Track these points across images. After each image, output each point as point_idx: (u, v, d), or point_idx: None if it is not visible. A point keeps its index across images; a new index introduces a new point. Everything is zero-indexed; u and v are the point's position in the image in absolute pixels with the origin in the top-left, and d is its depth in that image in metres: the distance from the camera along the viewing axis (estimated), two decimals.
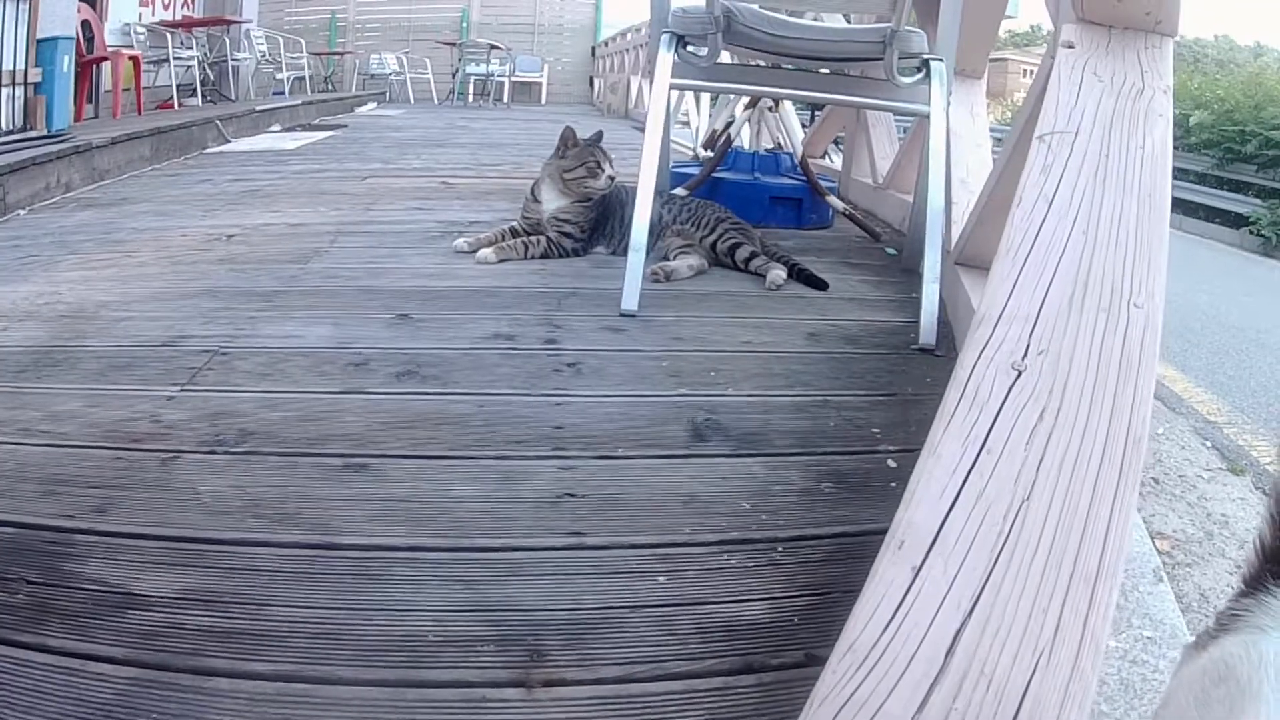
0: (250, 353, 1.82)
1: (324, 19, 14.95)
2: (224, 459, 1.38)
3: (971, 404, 0.92)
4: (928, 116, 2.25)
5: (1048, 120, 1.42)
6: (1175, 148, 1.44)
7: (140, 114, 6.46)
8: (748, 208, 2.99)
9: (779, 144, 3.79)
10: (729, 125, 3.71)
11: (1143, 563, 1.65)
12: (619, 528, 1.23)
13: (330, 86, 13.26)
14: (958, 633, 0.69)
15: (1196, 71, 19.39)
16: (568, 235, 2.64)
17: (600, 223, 2.69)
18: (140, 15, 7.57)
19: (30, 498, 1.25)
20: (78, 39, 5.42)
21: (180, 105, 7.45)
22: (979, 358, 0.99)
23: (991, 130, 3.15)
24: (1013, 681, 0.66)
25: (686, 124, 5.94)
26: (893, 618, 0.71)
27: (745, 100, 3.67)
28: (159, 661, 0.94)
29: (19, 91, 4.55)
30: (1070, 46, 1.60)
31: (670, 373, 1.79)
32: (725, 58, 2.51)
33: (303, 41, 12.16)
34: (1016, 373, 0.96)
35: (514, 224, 2.75)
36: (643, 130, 2.35)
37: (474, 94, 13.37)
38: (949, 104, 2.29)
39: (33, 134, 4.46)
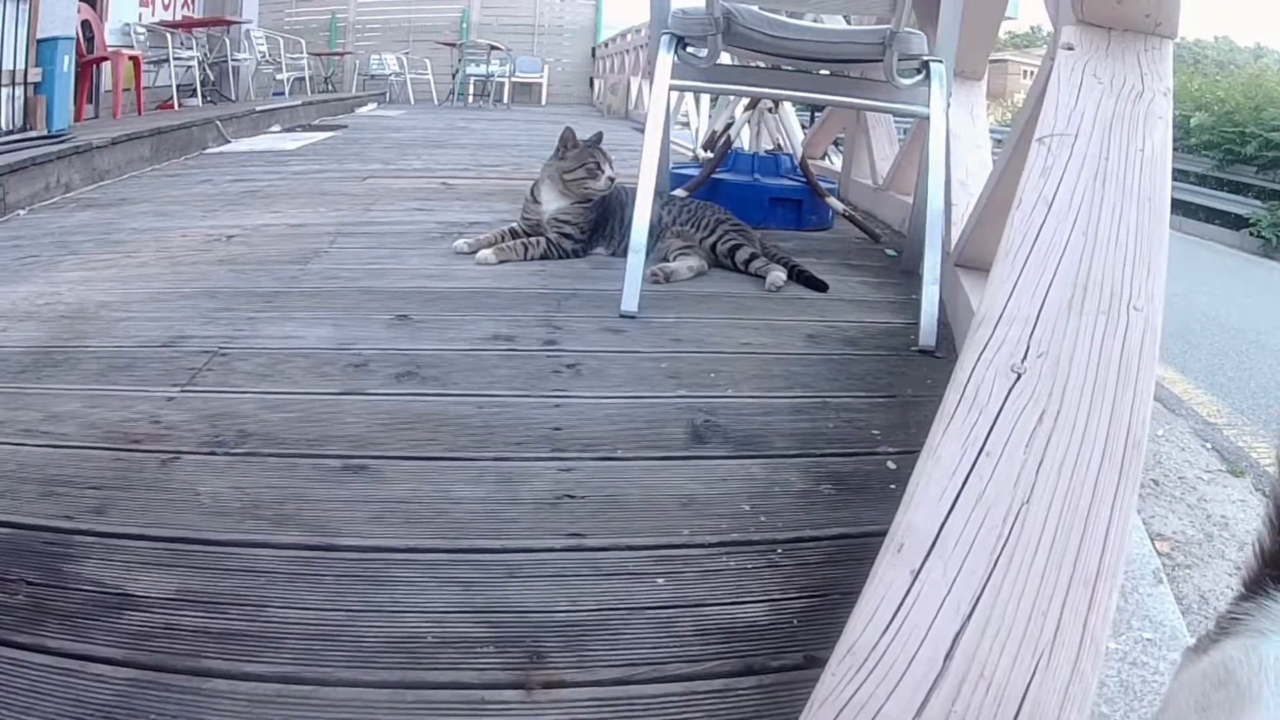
0: (250, 353, 1.82)
1: (324, 19, 14.96)
2: (223, 460, 1.38)
3: (971, 406, 0.92)
4: (927, 118, 2.25)
5: (1047, 122, 1.42)
6: (1175, 149, 1.44)
7: (140, 114, 6.46)
8: (747, 209, 2.99)
9: (779, 145, 3.79)
10: (729, 126, 3.71)
11: (1142, 564, 1.65)
12: (618, 529, 1.23)
13: (330, 87, 13.27)
14: (957, 635, 0.69)
15: (1196, 73, 19.41)
16: (567, 236, 2.64)
17: (600, 224, 2.69)
18: (140, 15, 7.58)
19: (29, 498, 1.25)
20: (78, 39, 5.42)
21: (180, 105, 7.46)
22: (978, 359, 0.99)
23: (991, 132, 3.15)
24: (1012, 684, 0.66)
25: (686, 125, 5.94)
26: (892, 620, 0.71)
27: (745, 101, 3.67)
28: (157, 662, 0.94)
29: (19, 91, 4.56)
30: (1070, 48, 1.60)
31: (670, 374, 1.78)
32: (725, 59, 2.51)
33: (303, 42, 12.16)
34: (1016, 375, 0.96)
35: (514, 225, 2.75)
36: (642, 131, 2.35)
37: (474, 95, 13.38)
38: (949, 105, 2.29)
39: (33, 134, 4.46)
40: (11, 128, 4.45)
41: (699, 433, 1.53)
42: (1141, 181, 1.28)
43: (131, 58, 6.64)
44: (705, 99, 5.64)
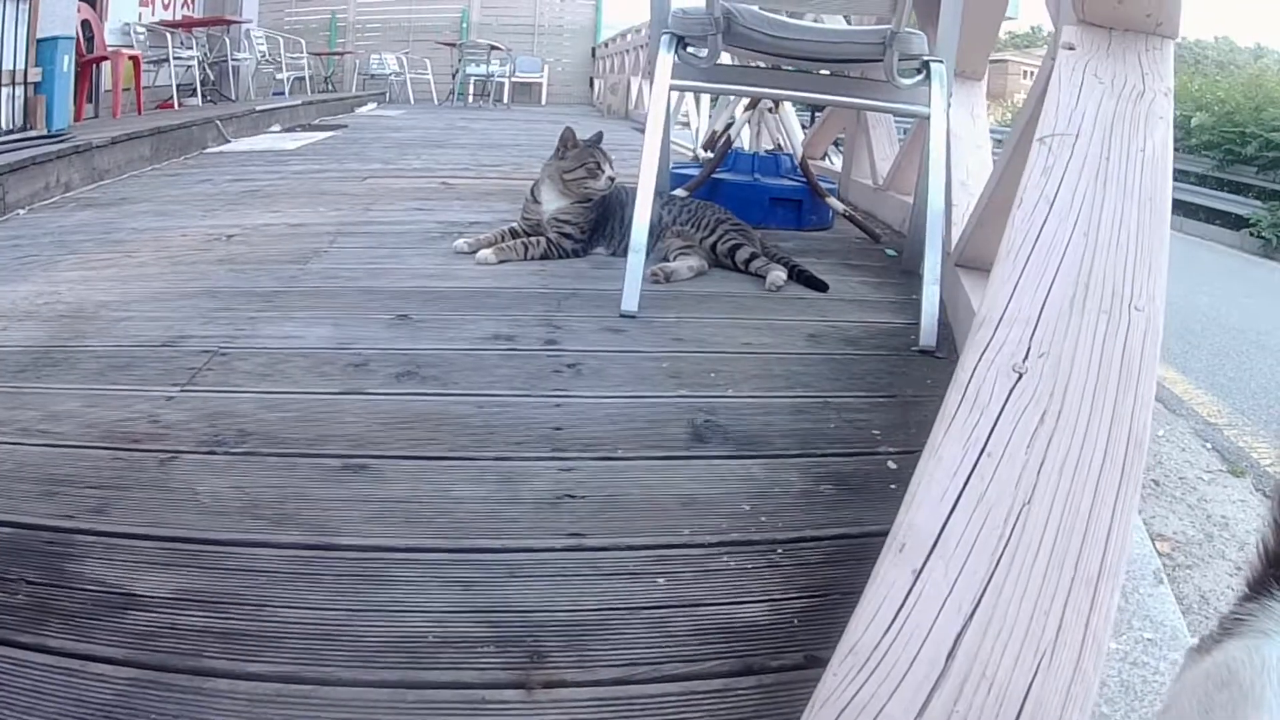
0: (250, 353, 1.82)
1: (324, 19, 14.95)
2: (223, 459, 1.38)
3: (972, 406, 0.92)
4: (928, 118, 2.25)
5: (1048, 122, 1.42)
6: (1175, 149, 1.44)
7: (140, 114, 6.46)
8: (748, 209, 2.99)
9: (779, 145, 3.79)
10: (729, 126, 3.71)
11: (1143, 565, 1.65)
12: (618, 529, 1.22)
13: (330, 87, 13.26)
14: (959, 635, 0.69)
15: (1197, 73, 19.41)
16: (568, 236, 2.64)
17: (600, 224, 2.69)
18: (140, 15, 7.57)
19: (29, 498, 1.25)
20: (78, 39, 5.42)
21: (180, 105, 7.45)
22: (980, 360, 0.99)
23: (991, 132, 3.15)
24: (1014, 684, 0.66)
25: (686, 125, 5.94)
26: (894, 620, 0.71)
27: (745, 101, 3.67)
28: (158, 662, 0.94)
29: (19, 91, 4.55)
30: (1071, 48, 1.60)
31: (670, 374, 1.78)
32: (725, 59, 2.50)
33: (303, 42, 12.16)
34: (1017, 375, 0.95)
35: (514, 225, 2.75)
36: (642, 131, 2.35)
37: (474, 94, 13.37)
38: (949, 105, 2.29)
39: (32, 133, 4.46)
40: (11, 127, 4.45)
41: (699, 432, 1.53)
42: (1142, 181, 1.28)
43: (131, 57, 6.64)
44: (705, 99, 5.64)
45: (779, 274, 2.44)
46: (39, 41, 4.68)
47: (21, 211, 3.43)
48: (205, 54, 8.34)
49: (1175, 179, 1.37)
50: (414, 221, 3.25)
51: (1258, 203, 11.18)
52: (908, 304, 2.33)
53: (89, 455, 1.38)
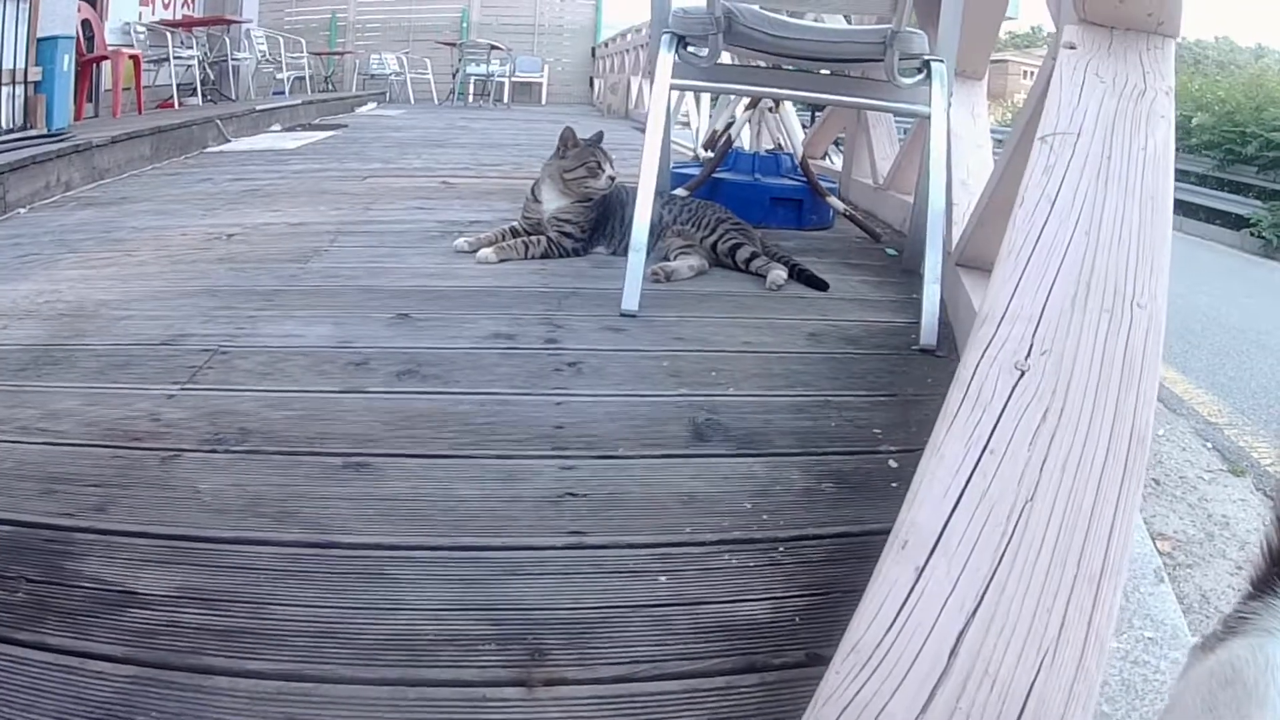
0: (250, 352, 1.82)
1: (324, 19, 14.95)
2: (224, 458, 1.38)
3: (975, 404, 0.92)
4: (928, 117, 2.25)
5: (1049, 121, 1.41)
6: (1176, 149, 1.44)
7: (140, 113, 6.46)
8: (748, 208, 2.99)
9: (779, 145, 3.79)
10: (729, 126, 3.71)
11: (1144, 564, 1.65)
12: (619, 527, 1.22)
13: (330, 86, 13.26)
14: (962, 633, 0.69)
15: (1197, 73, 19.42)
16: (568, 235, 2.64)
17: (601, 223, 2.68)
18: (140, 14, 7.58)
19: (29, 496, 1.25)
20: (78, 38, 5.41)
21: (180, 105, 7.45)
22: (982, 357, 0.98)
23: (992, 132, 3.15)
24: (1017, 681, 0.66)
25: (687, 125, 5.94)
26: (896, 617, 0.71)
27: (745, 101, 3.66)
28: (158, 660, 0.94)
29: (19, 90, 4.55)
30: (1072, 47, 1.60)
31: (671, 373, 1.78)
32: (726, 58, 2.50)
33: (303, 41, 12.16)
34: (1020, 373, 0.95)
35: (514, 224, 2.74)
36: (643, 131, 2.35)
37: (474, 94, 13.37)
38: (950, 105, 2.29)
39: (33, 133, 4.46)
40: (12, 126, 4.45)
41: (700, 431, 1.53)
42: (1144, 180, 1.27)
43: (131, 57, 6.64)
44: (705, 98, 5.64)
45: (779, 273, 2.44)
46: (39, 41, 4.67)
47: (22, 210, 3.43)
48: (205, 53, 8.34)
49: (1176, 179, 1.37)
50: (414, 221, 3.25)
51: (1258, 203, 11.18)
52: (908, 303, 2.32)
53: (89, 453, 1.38)
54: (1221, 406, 4.49)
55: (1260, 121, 11.56)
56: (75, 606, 1.02)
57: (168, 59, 7.35)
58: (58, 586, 1.05)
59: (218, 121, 6.05)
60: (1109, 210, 1.21)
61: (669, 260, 2.49)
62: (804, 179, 3.36)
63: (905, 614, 0.71)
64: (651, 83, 2.35)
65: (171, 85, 7.40)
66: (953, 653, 0.68)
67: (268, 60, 10.52)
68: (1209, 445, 3.86)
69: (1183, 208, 11.16)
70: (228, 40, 8.82)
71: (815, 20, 2.84)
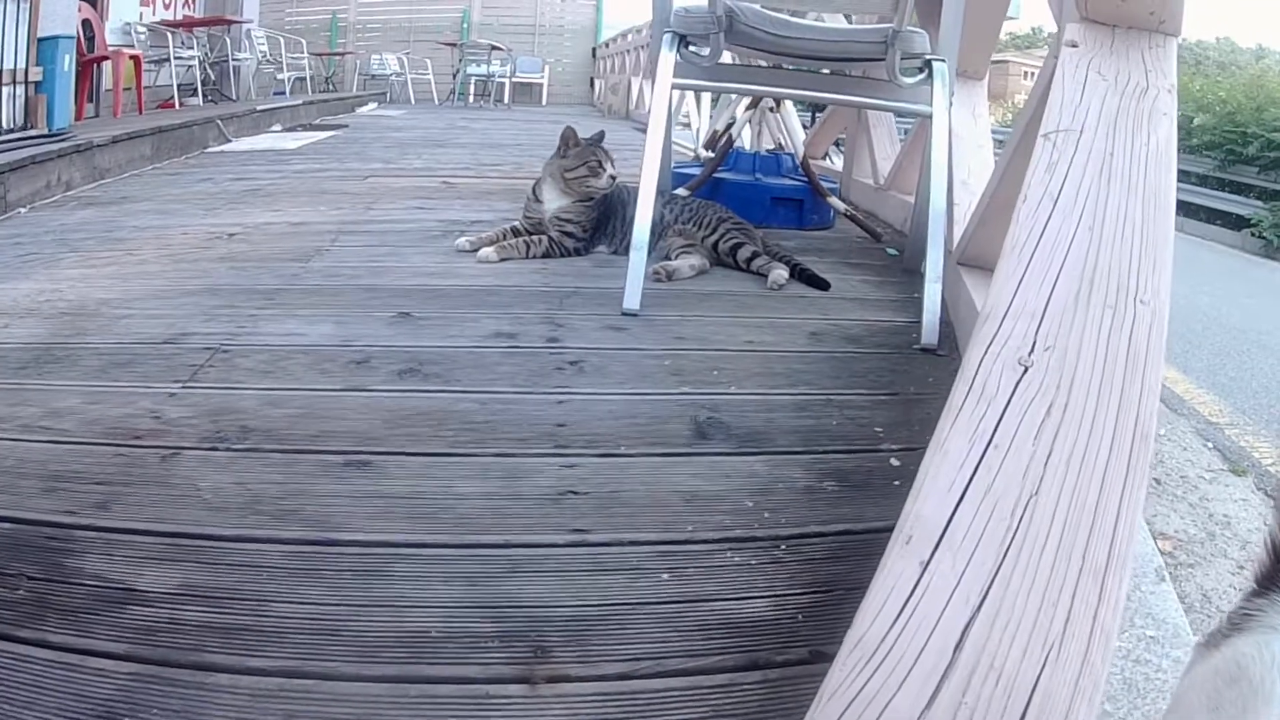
0: (252, 350, 1.82)
1: (325, 19, 14.97)
2: (225, 455, 1.38)
3: (979, 399, 0.92)
4: (929, 117, 2.25)
5: (1052, 118, 1.41)
6: (1177, 149, 1.44)
7: (141, 113, 6.46)
8: (749, 208, 2.99)
9: (780, 145, 3.79)
10: (730, 126, 3.71)
11: (1145, 563, 1.65)
12: (621, 525, 1.22)
13: (331, 87, 13.27)
14: (967, 627, 0.69)
15: (1198, 73, 19.43)
16: (569, 234, 2.63)
17: (602, 222, 2.68)
18: (141, 15, 7.58)
19: (31, 494, 1.25)
20: (78, 38, 5.41)
21: (181, 105, 7.46)
22: (985, 353, 0.98)
23: (992, 133, 3.15)
24: (1022, 675, 0.66)
25: (687, 125, 5.94)
26: (901, 612, 0.70)
27: (746, 101, 3.66)
28: (159, 657, 0.94)
29: (20, 90, 4.55)
30: (1074, 45, 1.60)
31: (672, 371, 1.78)
32: (727, 58, 2.50)
33: (304, 42, 12.16)
34: (1023, 368, 0.95)
35: (515, 223, 2.74)
36: (643, 131, 2.35)
37: (475, 95, 13.38)
38: (951, 104, 2.28)
39: (34, 132, 4.45)
40: (12, 126, 4.45)
41: (702, 429, 1.53)
42: (1147, 177, 1.27)
43: (132, 57, 6.64)
44: (706, 99, 5.64)
45: (780, 272, 2.44)
46: (40, 41, 4.67)
47: (23, 210, 3.43)
48: (206, 54, 8.34)
49: (1177, 179, 1.37)
50: (415, 220, 3.25)
51: (1259, 203, 11.18)
52: (909, 302, 2.32)
53: (91, 451, 1.38)
54: (1222, 406, 4.49)
55: (1261, 122, 11.57)
56: (76, 604, 1.02)
57: (168, 59, 7.35)
58: (59, 584, 1.05)
59: (218, 121, 6.06)
60: (1112, 206, 1.20)
61: (670, 260, 2.49)
62: (805, 179, 3.36)
63: (910, 608, 0.70)
64: (653, 82, 2.35)
65: (172, 85, 7.40)
66: (958, 647, 0.67)
67: (268, 60, 10.52)
68: (1210, 445, 3.86)
69: (1184, 208, 11.15)
70: (228, 40, 8.82)
71: (816, 19, 2.84)
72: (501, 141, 6.83)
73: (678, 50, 2.25)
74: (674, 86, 2.31)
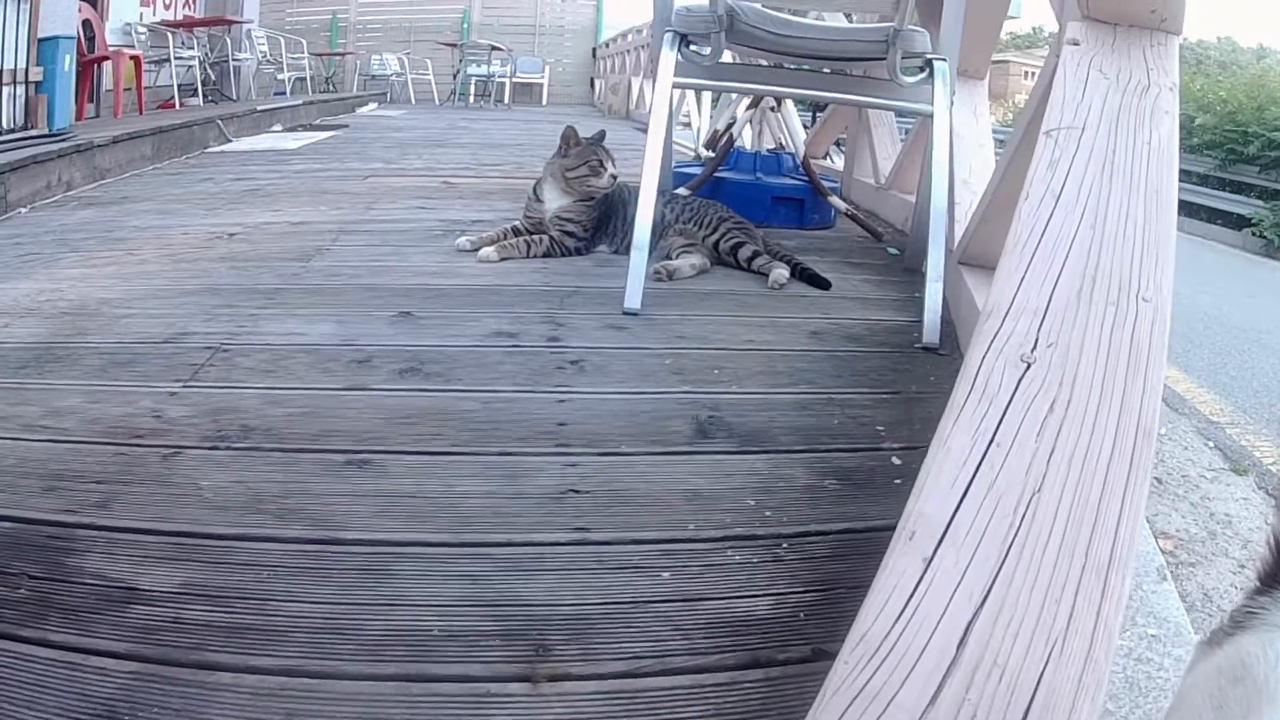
0: (252, 349, 1.82)
1: (325, 19, 14.96)
2: (226, 454, 1.38)
3: (981, 396, 0.92)
4: (930, 116, 2.25)
5: (1054, 116, 1.41)
6: (1178, 148, 1.44)
7: (141, 113, 6.46)
8: (750, 208, 2.99)
9: (781, 144, 3.78)
10: (731, 125, 3.70)
11: (1147, 562, 1.65)
12: (623, 523, 1.22)
13: (331, 87, 13.27)
14: (970, 623, 0.69)
15: (1199, 73, 19.42)
16: (570, 234, 2.63)
17: (603, 222, 2.68)
18: (141, 15, 7.58)
19: (32, 493, 1.25)
20: (79, 38, 5.41)
21: (181, 105, 7.46)
22: (988, 351, 0.98)
23: (993, 132, 3.14)
24: (1026, 672, 0.65)
25: (688, 125, 5.93)
26: (904, 609, 0.70)
27: (747, 100, 3.66)
28: (161, 656, 0.94)
29: (20, 90, 4.55)
30: (1076, 44, 1.60)
31: (673, 370, 1.78)
32: (728, 57, 2.50)
33: (304, 42, 12.17)
34: (1026, 365, 0.95)
35: (516, 223, 2.74)
36: (644, 131, 2.35)
37: (475, 95, 13.37)
38: (952, 104, 2.28)
39: (34, 133, 4.45)
40: (13, 126, 4.45)
41: (703, 428, 1.52)
42: (1148, 174, 1.27)
43: (132, 57, 6.64)
44: (707, 98, 5.63)
45: (781, 272, 2.44)
46: (40, 41, 4.67)
47: (23, 210, 3.43)
48: (206, 54, 8.34)
49: (1178, 178, 1.37)
50: (416, 220, 3.24)
51: (1259, 202, 11.18)
52: (910, 302, 2.32)
53: (91, 450, 1.38)
54: (1223, 405, 4.48)
55: (1262, 121, 11.57)
56: (78, 603, 1.02)
57: (169, 59, 7.36)
58: (60, 583, 1.05)
59: (219, 122, 6.06)
60: (1114, 204, 1.20)
61: (671, 259, 2.49)
62: (806, 178, 3.36)
63: (913, 605, 0.70)
64: (653, 81, 2.35)
65: (172, 85, 7.40)
66: (961, 643, 0.67)
67: (269, 61, 10.52)
68: (1211, 444, 3.86)
69: (1184, 208, 11.16)
70: (229, 41, 8.82)
71: (817, 19, 2.84)
72: (502, 141, 6.83)
73: (679, 49, 2.25)
74: (675, 86, 2.30)
